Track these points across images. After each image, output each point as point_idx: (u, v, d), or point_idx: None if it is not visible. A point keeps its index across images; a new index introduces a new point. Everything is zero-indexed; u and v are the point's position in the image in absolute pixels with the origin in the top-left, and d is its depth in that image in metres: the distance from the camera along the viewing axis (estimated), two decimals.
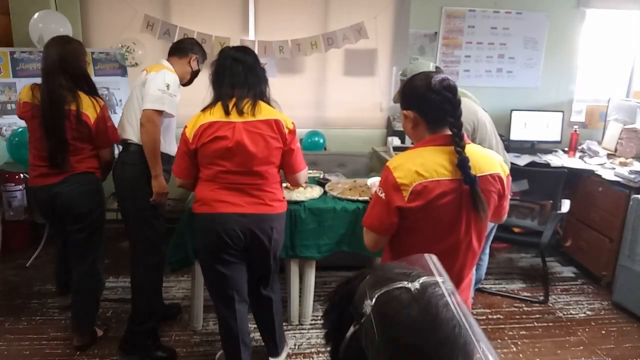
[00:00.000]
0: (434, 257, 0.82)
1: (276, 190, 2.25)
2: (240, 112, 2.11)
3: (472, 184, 1.44)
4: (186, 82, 2.73)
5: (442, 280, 0.75)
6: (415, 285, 0.72)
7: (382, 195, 1.50)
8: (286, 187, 2.87)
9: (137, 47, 3.89)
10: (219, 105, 2.13)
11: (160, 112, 2.43)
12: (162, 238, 2.65)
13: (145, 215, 2.54)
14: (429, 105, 1.50)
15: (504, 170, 1.57)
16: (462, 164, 1.43)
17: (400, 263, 0.81)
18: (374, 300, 0.71)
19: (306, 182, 2.61)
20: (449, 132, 1.48)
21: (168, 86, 2.44)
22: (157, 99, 2.41)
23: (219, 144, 2.09)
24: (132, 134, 2.52)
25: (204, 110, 2.17)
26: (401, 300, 0.70)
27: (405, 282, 0.72)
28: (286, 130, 2.17)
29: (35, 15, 3.62)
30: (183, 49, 2.67)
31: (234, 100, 2.13)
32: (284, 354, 2.61)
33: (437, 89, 1.47)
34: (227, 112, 2.11)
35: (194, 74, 2.74)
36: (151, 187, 2.49)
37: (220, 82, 2.18)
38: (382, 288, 0.73)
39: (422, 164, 1.46)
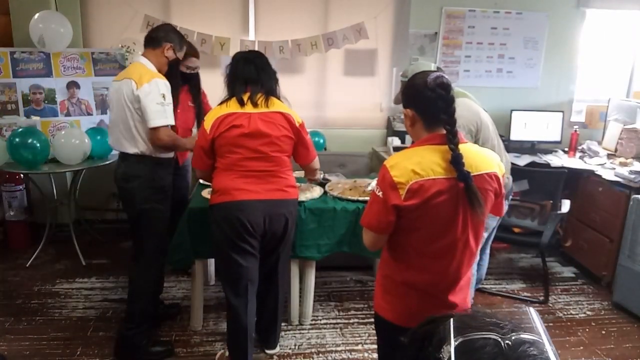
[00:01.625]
0: (535, 313, 0.73)
1: (289, 177, 2.40)
2: (255, 104, 2.28)
3: (466, 180, 1.45)
4: (167, 72, 2.61)
5: (541, 340, 0.66)
6: (507, 340, 0.63)
7: (380, 193, 1.52)
8: None
9: (137, 47, 3.89)
10: (234, 99, 2.29)
11: (167, 126, 2.43)
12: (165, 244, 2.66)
13: (153, 224, 2.55)
14: (423, 103, 1.53)
15: (500, 169, 1.59)
16: (455, 160, 1.45)
17: (493, 312, 0.72)
18: (454, 346, 0.64)
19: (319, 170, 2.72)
20: (445, 132, 1.50)
21: (164, 96, 2.41)
22: (160, 114, 2.39)
23: (235, 132, 2.24)
24: (130, 146, 2.49)
25: (220, 104, 2.32)
26: (485, 353, 0.62)
27: (495, 335, 0.64)
28: (297, 124, 2.35)
29: (36, 16, 3.62)
30: (156, 39, 2.55)
31: (248, 94, 2.29)
32: (278, 347, 2.75)
33: (431, 87, 1.50)
34: (242, 104, 2.27)
35: (173, 63, 2.64)
36: (157, 196, 2.53)
37: (234, 80, 2.33)
38: (466, 335, 0.64)
39: (419, 163, 1.47)
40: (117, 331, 2.71)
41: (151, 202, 2.52)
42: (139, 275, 2.61)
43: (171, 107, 2.46)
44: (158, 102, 2.38)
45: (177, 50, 2.60)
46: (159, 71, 2.54)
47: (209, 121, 2.27)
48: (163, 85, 2.43)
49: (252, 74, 2.31)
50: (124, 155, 2.54)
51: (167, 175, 2.62)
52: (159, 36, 2.55)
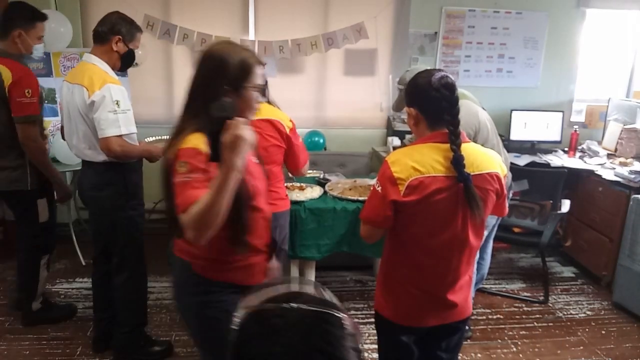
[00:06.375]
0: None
1: (280, 190, 2.30)
2: None
3: (466, 181, 1.46)
4: (122, 67, 2.44)
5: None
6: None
7: (379, 188, 1.54)
8: (286, 188, 2.87)
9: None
10: None
11: (120, 136, 2.25)
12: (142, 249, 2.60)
13: (129, 231, 2.47)
14: (428, 103, 1.54)
15: (502, 170, 1.59)
16: (456, 161, 1.46)
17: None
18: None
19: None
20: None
21: (118, 103, 2.22)
22: (111, 123, 2.21)
23: None
24: (95, 155, 2.35)
25: None
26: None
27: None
28: (287, 130, 2.21)
29: None
30: (101, 34, 2.31)
31: None
32: None
33: (436, 87, 1.50)
34: None
35: (127, 56, 2.40)
36: (132, 202, 2.43)
37: None
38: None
39: (419, 160, 1.49)
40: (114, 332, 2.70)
41: (127, 210, 2.42)
42: (123, 286, 2.54)
43: (129, 113, 2.29)
44: (110, 110, 2.21)
45: (128, 40, 2.37)
46: (113, 68, 2.37)
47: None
48: (117, 91, 2.25)
49: None
50: (88, 164, 2.40)
51: (139, 180, 2.53)
52: (104, 30, 2.32)
